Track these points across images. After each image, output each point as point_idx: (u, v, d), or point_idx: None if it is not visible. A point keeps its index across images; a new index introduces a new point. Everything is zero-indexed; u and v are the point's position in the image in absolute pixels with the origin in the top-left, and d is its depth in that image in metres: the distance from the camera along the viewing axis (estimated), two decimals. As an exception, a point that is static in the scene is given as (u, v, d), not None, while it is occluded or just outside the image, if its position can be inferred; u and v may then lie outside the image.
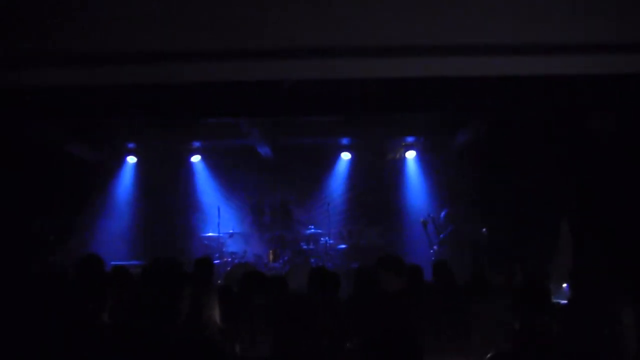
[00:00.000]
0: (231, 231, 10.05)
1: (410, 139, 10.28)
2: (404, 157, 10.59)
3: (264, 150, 10.05)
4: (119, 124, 9.08)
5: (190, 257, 7.39)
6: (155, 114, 7.38)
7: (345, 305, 4.40)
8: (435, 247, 9.24)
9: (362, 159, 10.52)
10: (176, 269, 3.75)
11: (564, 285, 6.11)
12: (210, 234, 9.98)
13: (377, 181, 10.45)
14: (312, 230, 10.05)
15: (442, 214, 9.53)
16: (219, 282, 8.25)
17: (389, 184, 10.46)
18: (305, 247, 9.92)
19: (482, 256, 8.21)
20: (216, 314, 3.84)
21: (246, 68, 4.18)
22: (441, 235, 9.41)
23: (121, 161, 10.58)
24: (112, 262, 7.62)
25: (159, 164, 10.45)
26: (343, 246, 10.19)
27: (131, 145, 10.46)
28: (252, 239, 10.47)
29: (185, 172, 10.61)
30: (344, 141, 10.40)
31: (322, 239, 9.94)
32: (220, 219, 9.95)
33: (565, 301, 4.64)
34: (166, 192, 10.39)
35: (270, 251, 9.79)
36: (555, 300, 4.39)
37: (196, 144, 10.47)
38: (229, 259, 9.68)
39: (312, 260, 9.63)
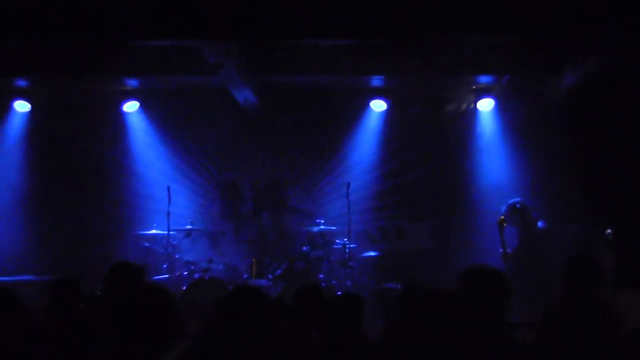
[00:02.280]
0: (189, 227, 9.64)
1: (484, 80, 9.98)
2: (474, 109, 10.33)
3: (243, 96, 9.78)
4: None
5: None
6: (60, 31, 7.36)
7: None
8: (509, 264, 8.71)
9: (404, 112, 10.33)
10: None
11: None
12: (153, 231, 9.55)
13: (428, 148, 10.39)
14: (322, 227, 9.77)
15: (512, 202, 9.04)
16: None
17: (447, 153, 10.38)
18: (309, 253, 9.57)
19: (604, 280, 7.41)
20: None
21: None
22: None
23: (4, 108, 10.37)
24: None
25: (69, 114, 10.34)
26: (372, 253, 9.90)
27: (22, 83, 10.07)
28: (222, 239, 10.45)
29: (113, 128, 10.50)
30: (375, 82, 10.07)
31: (337, 240, 9.62)
32: (170, 207, 9.43)
33: None
34: (79, 162, 10.37)
35: (253, 260, 9.40)
36: None
37: (131, 83, 10.20)
38: (185, 272, 9.38)
39: (321, 275, 9.44)
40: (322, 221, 9.78)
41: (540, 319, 5.20)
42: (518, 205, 8.94)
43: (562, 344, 4.53)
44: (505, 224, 8.77)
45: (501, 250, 8.66)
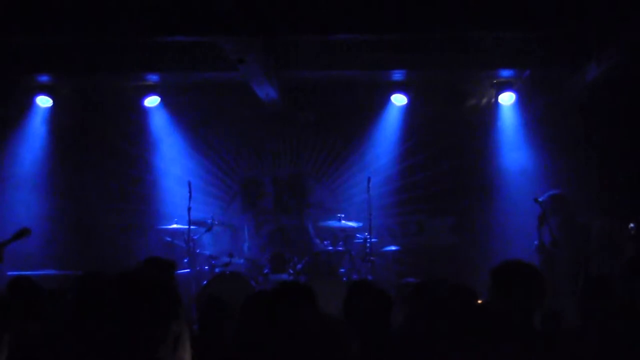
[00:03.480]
0: (210, 222, 9.54)
1: (506, 73, 9.81)
2: (496, 103, 10.20)
3: (264, 91, 9.60)
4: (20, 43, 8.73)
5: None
6: (82, 28, 7.38)
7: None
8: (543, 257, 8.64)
9: (426, 106, 10.26)
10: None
11: None
12: (174, 226, 9.52)
13: (449, 142, 10.37)
14: (343, 222, 9.73)
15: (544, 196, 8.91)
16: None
17: (469, 147, 10.32)
18: (330, 248, 9.60)
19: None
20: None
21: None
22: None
23: (26, 103, 10.23)
24: (11, 272, 7.91)
25: (90, 109, 10.32)
26: (393, 247, 9.96)
27: (44, 79, 9.94)
28: (243, 234, 10.35)
29: (134, 123, 10.48)
30: (396, 76, 9.93)
31: (358, 235, 9.60)
32: (191, 202, 9.37)
33: None
34: (100, 157, 10.40)
35: (272, 254, 9.43)
36: None
37: (152, 79, 10.08)
38: (206, 267, 9.41)
39: (342, 270, 9.40)
40: (343, 216, 9.75)
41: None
42: (560, 196, 8.88)
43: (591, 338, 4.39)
44: (544, 219, 8.59)
45: (537, 242, 8.61)
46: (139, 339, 2.85)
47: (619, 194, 9.18)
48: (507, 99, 9.94)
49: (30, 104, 10.20)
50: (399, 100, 10.01)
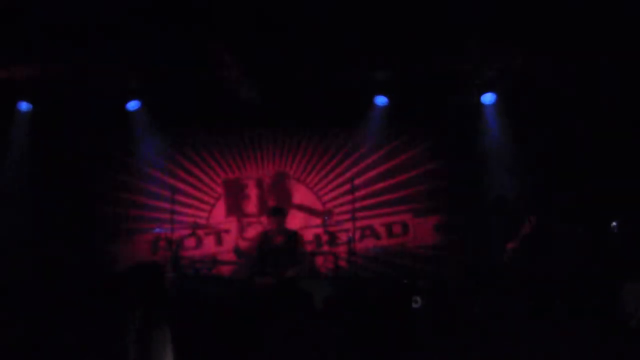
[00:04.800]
0: (193, 225, 9.62)
1: (487, 74, 9.51)
2: (478, 103, 10.09)
3: (247, 93, 9.69)
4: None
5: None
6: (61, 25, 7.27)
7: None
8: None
9: (408, 105, 10.09)
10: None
11: None
12: (158, 230, 9.52)
13: (432, 142, 10.26)
14: (327, 224, 9.70)
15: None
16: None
17: (451, 147, 10.17)
18: (315, 249, 9.73)
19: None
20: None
21: None
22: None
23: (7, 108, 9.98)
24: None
25: (69, 114, 10.02)
26: (377, 249, 10.03)
27: (24, 83, 9.58)
28: (227, 237, 10.29)
29: (116, 127, 10.23)
30: (378, 76, 9.77)
31: (342, 237, 9.58)
32: (174, 205, 9.50)
33: None
34: (82, 161, 10.19)
35: (257, 256, 9.16)
36: None
37: (134, 82, 9.82)
38: (191, 270, 9.24)
39: (326, 272, 9.52)
40: (327, 218, 9.72)
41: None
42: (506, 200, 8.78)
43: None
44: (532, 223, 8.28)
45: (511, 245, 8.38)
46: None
47: (600, 197, 9.08)
48: (489, 98, 9.86)
49: (11, 109, 9.88)
50: (381, 101, 9.93)
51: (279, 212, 9.04)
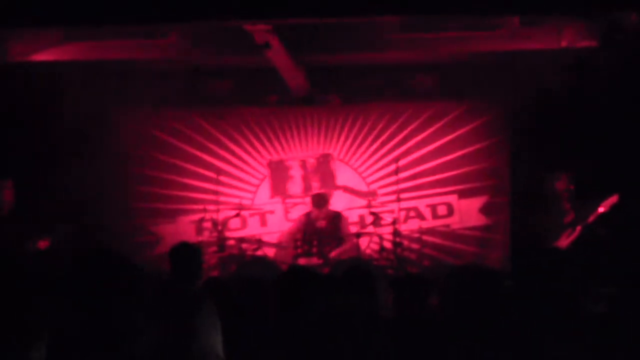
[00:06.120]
0: (238, 206, 9.61)
1: None
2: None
3: (291, 75, 9.39)
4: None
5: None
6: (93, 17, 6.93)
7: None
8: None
9: (452, 87, 9.90)
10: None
11: None
12: (203, 211, 9.62)
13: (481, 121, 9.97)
14: (371, 205, 9.57)
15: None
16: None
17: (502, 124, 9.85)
18: (359, 231, 9.41)
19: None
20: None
21: None
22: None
23: None
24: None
25: (112, 95, 9.76)
26: (422, 230, 9.84)
27: None
28: (272, 218, 10.28)
29: None
30: (421, 56, 9.51)
31: (386, 218, 9.31)
32: (219, 187, 9.63)
33: None
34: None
35: (301, 238, 9.18)
36: None
37: None
38: (235, 252, 9.28)
39: (370, 253, 9.53)
40: (371, 199, 9.73)
41: None
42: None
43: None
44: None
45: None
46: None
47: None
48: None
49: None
50: (424, 81, 9.80)
51: (320, 202, 9.14)
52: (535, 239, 8.16)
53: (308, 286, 4.41)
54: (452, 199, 10.05)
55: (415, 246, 9.64)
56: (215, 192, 9.48)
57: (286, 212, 10.20)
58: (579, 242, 7.95)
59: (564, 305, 3.82)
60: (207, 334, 2.99)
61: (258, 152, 10.19)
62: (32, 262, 7.10)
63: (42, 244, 7.47)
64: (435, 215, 10.08)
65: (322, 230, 9.19)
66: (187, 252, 5.55)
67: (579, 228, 8.05)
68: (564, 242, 7.95)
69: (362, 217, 9.78)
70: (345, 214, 9.46)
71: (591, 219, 8.02)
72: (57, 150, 9.23)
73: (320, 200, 9.07)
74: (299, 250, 8.99)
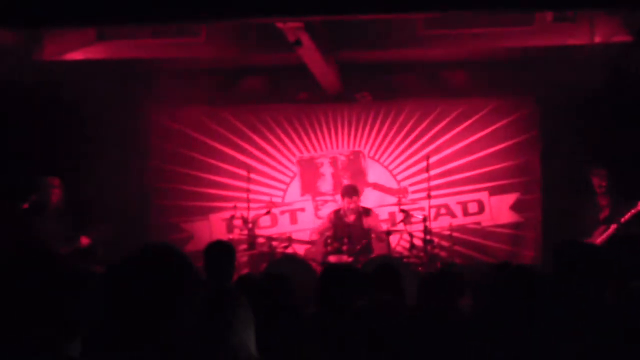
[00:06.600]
0: (269, 204, 9.53)
1: None
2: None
3: (322, 72, 9.22)
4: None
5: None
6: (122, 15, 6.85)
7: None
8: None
9: (483, 83, 9.80)
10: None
11: None
12: (234, 209, 9.40)
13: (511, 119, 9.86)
14: (401, 202, 9.33)
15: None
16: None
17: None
18: (389, 228, 9.22)
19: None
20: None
21: None
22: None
23: None
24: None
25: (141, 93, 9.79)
26: (452, 227, 9.47)
27: None
28: (302, 216, 10.24)
29: None
30: (451, 54, 9.49)
31: (417, 215, 9.17)
32: (250, 184, 9.55)
33: None
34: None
35: (332, 236, 8.97)
36: None
37: None
38: (266, 250, 9.20)
39: (401, 251, 9.52)
40: (402, 196, 9.60)
41: None
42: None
43: None
44: None
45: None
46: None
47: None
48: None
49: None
50: (455, 77, 9.73)
51: (351, 191, 8.99)
52: (569, 236, 8.06)
53: (347, 284, 4.42)
54: (483, 196, 9.94)
55: (445, 244, 9.50)
56: (246, 190, 9.45)
57: (316, 209, 10.13)
58: (612, 240, 7.74)
59: (598, 303, 3.75)
60: (241, 331, 2.97)
61: (288, 149, 10.16)
62: (73, 259, 7.12)
63: (84, 241, 7.55)
64: (466, 213, 9.98)
65: (351, 225, 9.13)
66: (221, 250, 5.54)
67: (613, 226, 7.89)
68: (597, 239, 7.80)
69: (392, 215, 9.70)
70: (375, 210, 9.39)
71: (627, 217, 7.86)
72: (96, 149, 9.27)
73: (351, 190, 9.00)
74: (329, 248, 8.85)
